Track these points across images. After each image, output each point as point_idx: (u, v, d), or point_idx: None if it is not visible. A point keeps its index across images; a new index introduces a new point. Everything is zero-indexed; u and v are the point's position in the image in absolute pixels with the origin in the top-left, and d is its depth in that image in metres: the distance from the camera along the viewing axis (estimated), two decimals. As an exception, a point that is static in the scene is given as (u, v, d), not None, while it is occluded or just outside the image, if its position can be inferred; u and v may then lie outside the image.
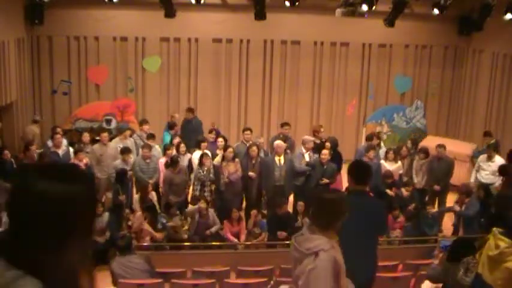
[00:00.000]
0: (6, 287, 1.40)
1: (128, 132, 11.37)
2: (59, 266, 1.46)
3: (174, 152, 10.53)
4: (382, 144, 12.08)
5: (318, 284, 3.52)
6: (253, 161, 10.26)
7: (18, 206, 1.47)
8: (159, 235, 9.01)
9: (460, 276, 4.97)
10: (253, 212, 9.45)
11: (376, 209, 5.08)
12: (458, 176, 11.30)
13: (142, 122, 11.93)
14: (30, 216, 1.43)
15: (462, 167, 11.73)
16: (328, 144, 10.73)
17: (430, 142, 12.17)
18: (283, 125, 11.79)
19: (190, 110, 12.61)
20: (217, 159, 10.35)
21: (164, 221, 9.14)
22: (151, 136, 11.10)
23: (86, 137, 11.18)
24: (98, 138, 11.06)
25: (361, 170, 5.05)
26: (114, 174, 10.01)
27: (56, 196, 1.43)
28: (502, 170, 9.80)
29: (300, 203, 9.85)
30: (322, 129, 11.82)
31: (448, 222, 10.37)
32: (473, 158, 11.84)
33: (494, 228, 5.49)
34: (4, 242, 1.47)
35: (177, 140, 11.06)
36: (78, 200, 1.46)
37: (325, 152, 10.19)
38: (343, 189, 10.14)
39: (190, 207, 9.69)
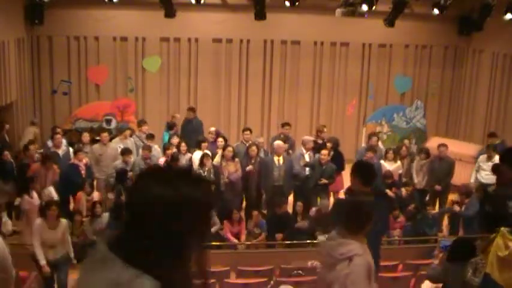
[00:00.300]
0: (124, 286, 1.42)
1: (127, 132, 11.37)
2: (176, 268, 1.49)
3: (174, 151, 10.53)
4: (380, 144, 12.04)
5: None
6: (253, 161, 10.26)
7: (135, 208, 1.51)
8: None
9: (469, 277, 4.98)
10: (255, 213, 9.44)
11: (380, 209, 5.08)
12: (463, 177, 11.25)
13: (141, 123, 11.92)
14: (147, 218, 1.47)
15: (467, 168, 11.65)
16: (329, 144, 10.74)
17: (434, 143, 12.14)
18: (283, 125, 11.79)
19: (191, 109, 12.60)
20: (217, 159, 10.35)
21: None
22: (150, 136, 11.10)
23: (86, 137, 11.19)
24: (98, 138, 11.06)
25: (369, 172, 5.06)
26: (114, 175, 10.02)
27: (173, 199, 1.47)
28: (495, 168, 9.79)
29: (299, 203, 9.85)
30: (325, 129, 11.82)
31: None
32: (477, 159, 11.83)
33: (502, 228, 5.48)
34: (121, 241, 1.51)
35: (175, 139, 11.04)
36: (194, 203, 1.50)
37: (324, 152, 10.18)
38: (344, 189, 10.16)
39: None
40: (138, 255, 1.46)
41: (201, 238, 1.55)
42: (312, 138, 11.03)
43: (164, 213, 1.46)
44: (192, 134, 11.68)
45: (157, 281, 1.44)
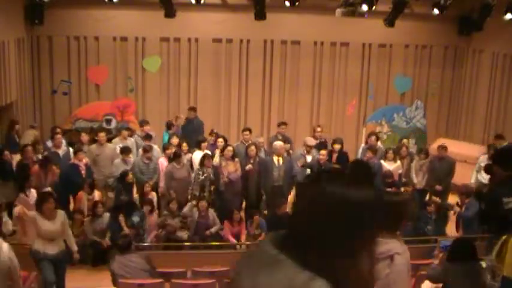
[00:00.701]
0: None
1: (125, 133, 11.31)
2: (348, 269, 1.47)
3: (173, 150, 10.50)
4: (379, 144, 12.04)
5: None
6: (251, 161, 10.25)
7: (310, 208, 1.48)
8: (128, 231, 8.97)
9: (489, 282, 4.99)
10: (256, 217, 9.40)
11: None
12: (468, 179, 11.19)
13: (143, 123, 11.90)
14: (322, 218, 1.44)
15: (471, 170, 11.63)
16: (337, 145, 10.77)
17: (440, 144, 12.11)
18: (280, 124, 11.81)
19: (192, 108, 12.59)
20: (216, 159, 10.32)
21: (137, 220, 9.09)
22: (147, 137, 11.06)
23: (84, 137, 11.20)
24: (97, 138, 11.06)
25: (366, 171, 5.06)
26: (115, 174, 10.01)
27: (356, 201, 1.46)
28: (488, 168, 9.79)
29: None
30: (319, 129, 11.75)
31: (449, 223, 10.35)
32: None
33: None
34: (291, 242, 1.48)
35: (175, 139, 11.00)
36: (373, 205, 1.49)
37: (323, 152, 10.18)
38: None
39: (187, 205, 9.64)
40: (310, 256, 1.43)
41: (372, 238, 1.53)
42: (313, 140, 11.00)
43: (341, 212, 1.44)
44: (192, 134, 11.66)
45: (330, 283, 1.41)
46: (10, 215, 9.70)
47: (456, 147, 11.07)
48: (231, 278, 1.63)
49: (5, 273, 5.00)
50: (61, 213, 7.12)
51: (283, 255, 1.45)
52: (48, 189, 9.31)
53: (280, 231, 1.55)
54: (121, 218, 9.02)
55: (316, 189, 1.50)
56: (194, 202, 9.47)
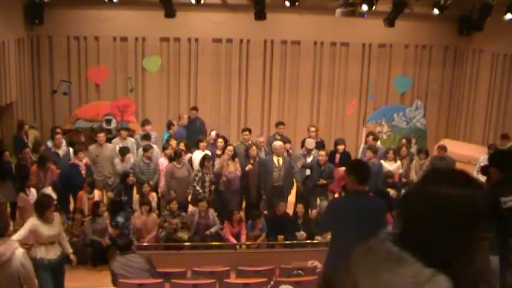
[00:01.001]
0: (423, 284, 1.48)
1: (124, 133, 11.29)
2: (464, 267, 1.54)
3: (171, 152, 10.48)
4: (379, 143, 12.03)
5: None
6: (251, 161, 10.24)
7: (425, 208, 1.55)
8: (112, 231, 8.94)
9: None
10: (258, 220, 9.38)
11: (376, 208, 5.09)
12: None
13: (145, 123, 11.88)
14: (438, 219, 1.52)
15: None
16: (341, 146, 10.77)
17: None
18: (278, 124, 11.79)
19: (194, 108, 12.57)
20: (217, 167, 10.21)
21: (122, 220, 9.07)
22: (145, 137, 11.05)
23: (82, 138, 11.22)
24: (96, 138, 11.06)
25: (364, 170, 5.06)
26: (114, 175, 10.01)
27: (464, 199, 1.52)
28: (484, 170, 9.78)
29: (299, 205, 9.83)
30: (312, 129, 11.64)
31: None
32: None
33: None
34: (410, 241, 1.55)
35: (173, 141, 10.92)
36: (480, 203, 1.55)
37: (322, 153, 10.19)
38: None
39: (190, 208, 9.65)
40: (428, 255, 1.50)
41: (481, 237, 1.59)
42: (313, 142, 10.99)
43: (455, 213, 1.50)
44: (195, 134, 11.59)
45: (450, 281, 1.48)
46: (11, 215, 9.73)
47: (460, 148, 11.04)
48: (343, 274, 1.71)
49: (16, 279, 4.98)
50: (57, 215, 7.10)
51: (406, 253, 1.53)
52: (49, 189, 9.31)
53: (395, 230, 1.62)
54: (107, 217, 9.04)
55: (429, 190, 1.56)
56: (193, 207, 9.47)
